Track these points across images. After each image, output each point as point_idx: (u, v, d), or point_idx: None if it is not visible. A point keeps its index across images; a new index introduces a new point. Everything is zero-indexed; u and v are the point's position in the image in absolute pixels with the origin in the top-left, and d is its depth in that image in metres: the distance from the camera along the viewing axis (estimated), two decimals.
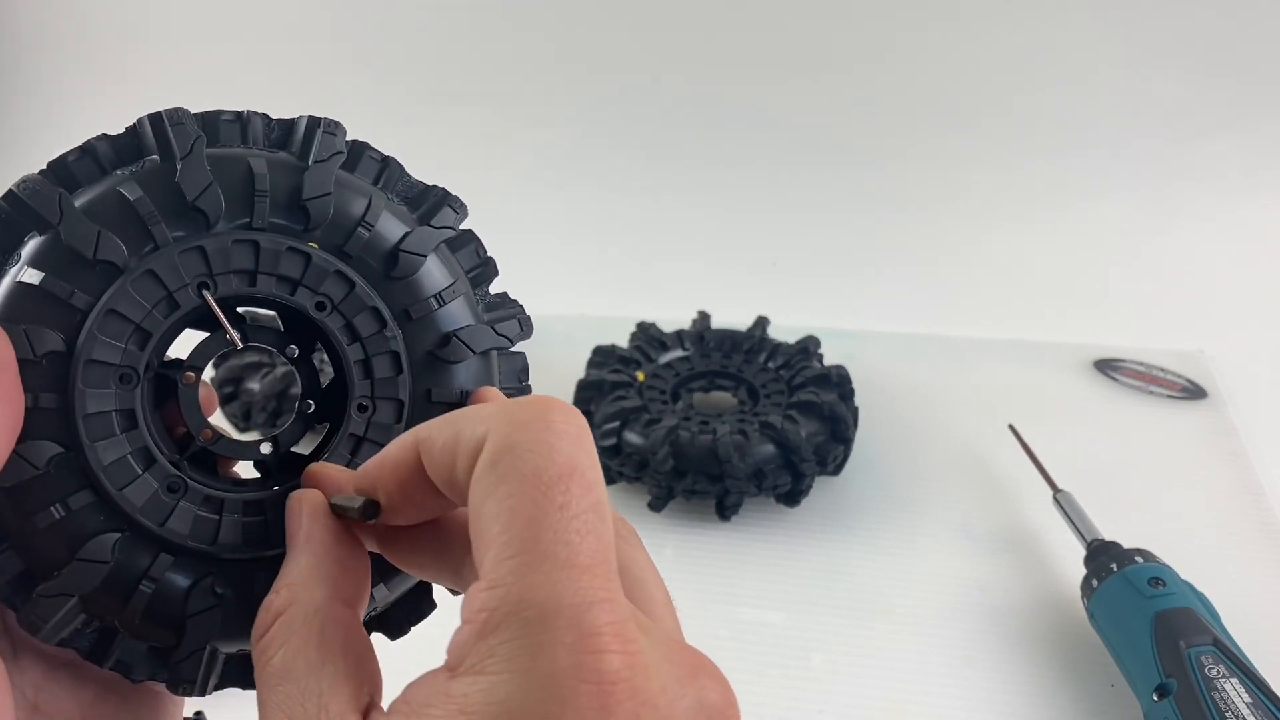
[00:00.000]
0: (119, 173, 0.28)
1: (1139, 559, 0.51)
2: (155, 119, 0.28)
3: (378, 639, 0.27)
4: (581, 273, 0.91)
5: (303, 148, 0.29)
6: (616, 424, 0.62)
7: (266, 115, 0.29)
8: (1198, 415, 0.71)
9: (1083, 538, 0.55)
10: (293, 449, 0.29)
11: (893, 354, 0.78)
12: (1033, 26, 0.90)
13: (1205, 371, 0.75)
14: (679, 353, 0.72)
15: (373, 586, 0.27)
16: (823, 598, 0.57)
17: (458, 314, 0.29)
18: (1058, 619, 0.55)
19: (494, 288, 0.31)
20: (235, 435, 0.28)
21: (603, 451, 0.62)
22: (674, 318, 0.75)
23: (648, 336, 0.72)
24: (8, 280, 0.26)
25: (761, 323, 0.73)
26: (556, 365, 0.76)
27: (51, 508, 0.26)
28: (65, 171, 0.28)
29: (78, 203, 0.27)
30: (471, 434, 0.23)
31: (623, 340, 0.72)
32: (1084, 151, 0.92)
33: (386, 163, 0.30)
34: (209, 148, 0.28)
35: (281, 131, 0.29)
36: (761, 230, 0.94)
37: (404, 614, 0.29)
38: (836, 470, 0.63)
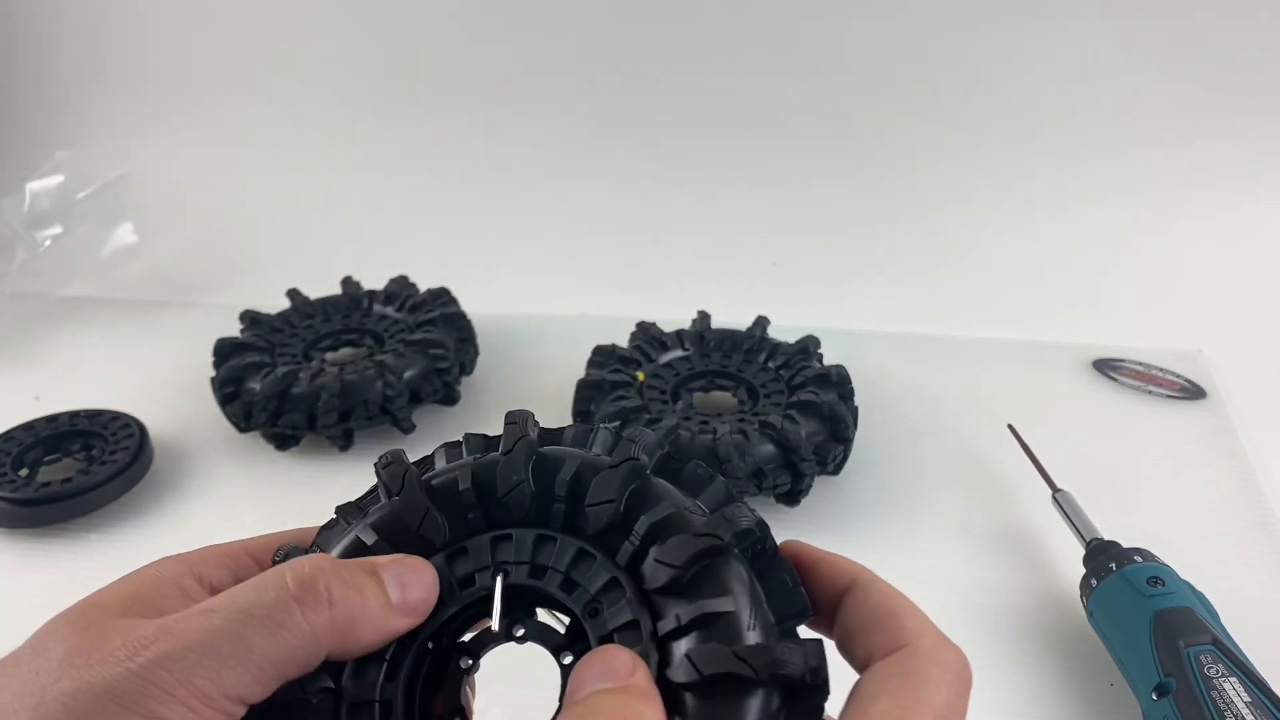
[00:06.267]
0: (464, 459, 0.29)
1: (1138, 558, 0.51)
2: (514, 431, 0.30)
3: None
4: (581, 273, 0.91)
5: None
6: (617, 424, 0.62)
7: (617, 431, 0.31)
8: (1197, 415, 0.71)
9: (1082, 537, 0.55)
10: None
11: (892, 354, 0.78)
12: (1031, 27, 0.90)
13: (1204, 371, 0.75)
14: (679, 352, 0.72)
15: None
16: None
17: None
18: (1057, 618, 0.55)
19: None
20: None
21: None
22: (674, 318, 0.75)
23: (648, 336, 0.72)
24: (352, 533, 0.28)
25: (761, 323, 0.73)
26: (556, 365, 0.76)
27: None
28: (432, 460, 0.30)
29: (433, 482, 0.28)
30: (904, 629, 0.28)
31: (623, 340, 0.72)
32: (1083, 152, 0.92)
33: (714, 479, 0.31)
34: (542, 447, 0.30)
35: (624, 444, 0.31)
36: (761, 230, 0.94)
37: None
38: (836, 470, 0.63)
